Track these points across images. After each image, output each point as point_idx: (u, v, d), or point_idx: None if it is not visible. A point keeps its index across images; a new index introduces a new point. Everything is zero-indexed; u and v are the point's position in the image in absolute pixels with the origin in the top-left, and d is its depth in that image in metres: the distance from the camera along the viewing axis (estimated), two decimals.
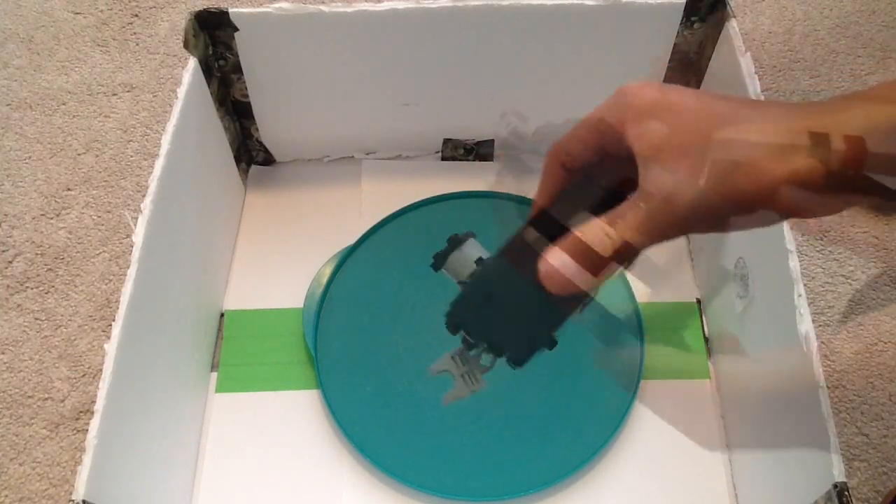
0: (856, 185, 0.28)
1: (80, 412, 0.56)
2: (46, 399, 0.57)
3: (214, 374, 0.57)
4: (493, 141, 0.67)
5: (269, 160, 0.68)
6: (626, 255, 0.31)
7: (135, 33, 0.78)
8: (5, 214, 0.66)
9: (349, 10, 0.55)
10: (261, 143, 0.66)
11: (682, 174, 0.29)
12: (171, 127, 0.50)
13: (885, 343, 0.58)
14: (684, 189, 0.29)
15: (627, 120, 0.31)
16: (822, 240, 0.63)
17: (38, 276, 0.63)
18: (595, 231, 0.31)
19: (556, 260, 0.32)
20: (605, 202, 0.32)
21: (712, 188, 0.29)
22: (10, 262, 0.63)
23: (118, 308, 0.43)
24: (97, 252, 0.64)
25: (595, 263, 0.31)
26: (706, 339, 0.58)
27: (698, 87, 0.61)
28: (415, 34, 0.57)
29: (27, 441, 0.55)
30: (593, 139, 0.33)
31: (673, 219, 0.30)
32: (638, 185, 0.31)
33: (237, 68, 0.59)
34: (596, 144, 0.33)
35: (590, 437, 0.53)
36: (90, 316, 0.61)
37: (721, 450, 0.53)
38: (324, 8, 0.55)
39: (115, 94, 0.73)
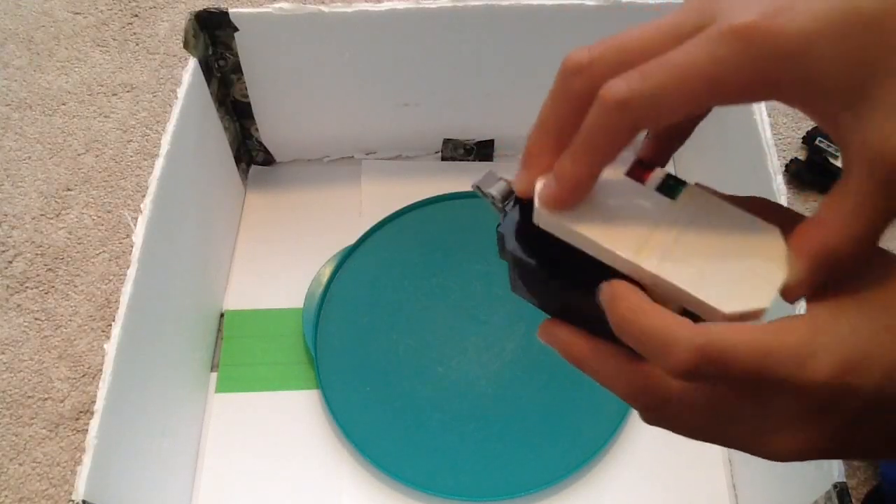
0: None
1: (80, 412, 0.56)
2: (46, 399, 0.57)
3: (214, 374, 0.57)
4: (493, 141, 0.67)
5: (269, 160, 0.68)
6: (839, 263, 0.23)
7: (135, 33, 0.78)
8: (5, 214, 0.66)
9: (349, 10, 0.55)
10: (261, 143, 0.66)
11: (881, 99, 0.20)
12: (171, 127, 0.50)
13: None
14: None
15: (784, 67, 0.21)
16: None
17: (38, 276, 0.63)
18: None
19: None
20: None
21: None
22: (10, 262, 0.63)
23: (118, 308, 0.43)
24: (97, 252, 0.64)
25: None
26: None
27: None
28: (415, 34, 0.57)
29: (27, 441, 0.55)
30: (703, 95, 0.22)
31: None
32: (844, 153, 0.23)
33: (237, 68, 0.59)
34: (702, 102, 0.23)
35: (590, 437, 0.53)
36: (90, 316, 0.61)
37: (721, 450, 0.53)
38: (324, 8, 0.55)
39: (115, 94, 0.73)
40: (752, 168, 0.51)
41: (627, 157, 0.26)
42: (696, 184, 0.27)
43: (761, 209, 0.26)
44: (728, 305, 0.23)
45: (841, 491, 0.39)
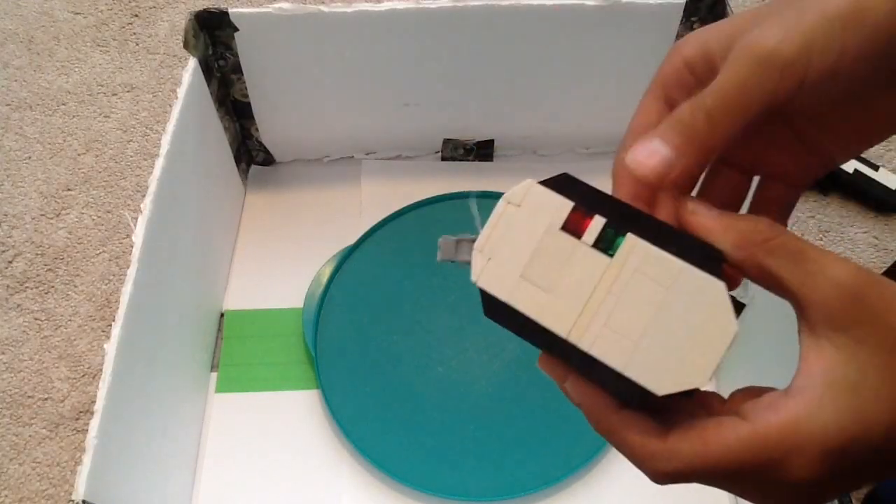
0: None
1: (80, 412, 0.56)
2: (46, 399, 0.57)
3: (214, 374, 0.57)
4: (493, 141, 0.67)
5: (269, 160, 0.68)
6: (720, 121, 0.24)
7: (135, 33, 0.78)
8: (5, 214, 0.66)
9: (349, 10, 0.55)
10: (261, 143, 0.66)
11: (768, 23, 0.24)
12: (171, 127, 0.50)
13: None
14: (770, 28, 0.24)
15: (698, 42, 0.26)
16: (822, 240, 0.63)
17: (38, 276, 0.63)
18: (682, 108, 0.25)
19: (645, 144, 0.25)
20: None
21: (798, 13, 0.24)
22: (10, 262, 0.63)
23: (118, 308, 0.43)
24: (97, 252, 0.64)
25: (689, 137, 0.24)
26: None
27: None
28: (415, 34, 0.57)
29: (27, 441, 0.55)
30: (664, 94, 0.27)
31: (761, 55, 0.24)
32: None
33: (237, 68, 0.59)
34: (669, 98, 0.27)
35: (590, 437, 0.53)
36: (90, 316, 0.61)
37: None
38: (324, 8, 0.55)
39: (115, 94, 0.73)
40: None
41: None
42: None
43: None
44: (662, 387, 0.23)
45: None
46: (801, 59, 0.23)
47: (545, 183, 0.25)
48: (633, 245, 0.24)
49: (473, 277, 0.25)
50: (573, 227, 0.24)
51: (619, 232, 0.24)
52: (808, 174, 0.29)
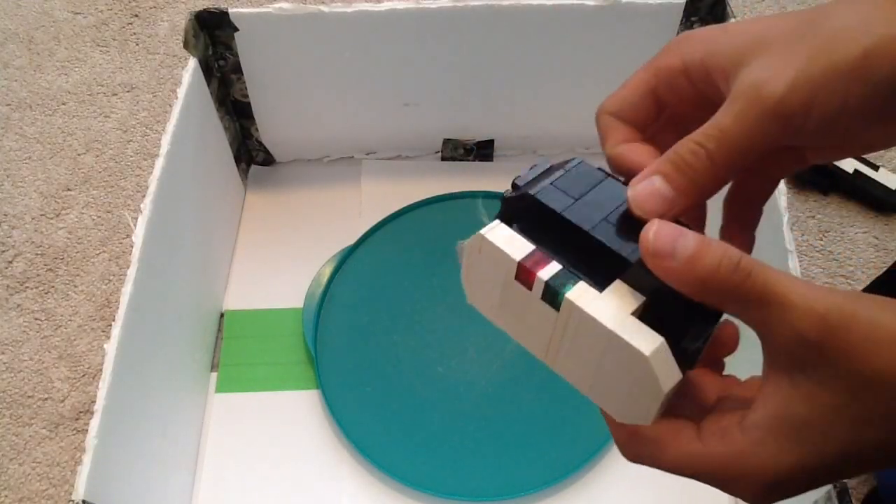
0: None
1: (80, 412, 0.56)
2: (46, 399, 0.57)
3: (214, 374, 0.57)
4: (493, 141, 0.67)
5: (269, 160, 0.68)
6: (722, 164, 0.25)
7: (135, 33, 0.78)
8: (5, 214, 0.66)
9: (349, 10, 0.55)
10: (261, 143, 0.66)
11: (776, 60, 0.25)
12: (171, 127, 0.50)
13: None
14: (779, 72, 0.24)
15: (701, 50, 0.27)
16: (822, 240, 0.63)
17: (38, 276, 0.63)
18: (684, 144, 0.25)
19: (647, 182, 0.26)
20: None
21: (808, 60, 0.24)
22: (10, 262, 0.63)
23: (118, 308, 0.43)
24: (97, 252, 0.64)
25: (690, 178, 0.25)
26: None
27: None
28: (415, 34, 0.57)
29: (27, 441, 0.55)
30: (655, 84, 0.28)
31: (767, 105, 0.24)
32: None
33: (237, 68, 0.59)
34: (657, 89, 0.28)
35: (590, 437, 0.53)
36: (90, 316, 0.61)
37: None
38: (324, 8, 0.55)
39: (115, 94, 0.73)
40: None
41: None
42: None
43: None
44: (619, 417, 0.25)
45: (841, 491, 0.39)
46: (804, 110, 0.24)
47: (508, 203, 0.27)
48: (571, 304, 0.24)
49: (468, 300, 0.28)
50: (523, 278, 0.26)
51: (566, 281, 0.25)
52: (788, 171, 0.30)
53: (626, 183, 0.27)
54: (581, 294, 0.24)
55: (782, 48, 0.25)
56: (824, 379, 0.22)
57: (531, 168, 0.27)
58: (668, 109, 0.29)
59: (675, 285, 0.23)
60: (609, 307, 0.24)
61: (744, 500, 0.24)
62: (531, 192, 0.26)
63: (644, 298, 0.25)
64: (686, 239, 0.23)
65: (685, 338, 0.25)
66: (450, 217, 0.63)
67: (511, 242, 0.26)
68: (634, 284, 0.25)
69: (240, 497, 0.53)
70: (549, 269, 0.25)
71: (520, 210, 0.27)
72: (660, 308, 0.24)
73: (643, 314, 0.25)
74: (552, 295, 0.25)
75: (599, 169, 0.28)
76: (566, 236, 0.26)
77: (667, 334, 0.24)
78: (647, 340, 0.23)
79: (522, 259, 0.25)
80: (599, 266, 0.25)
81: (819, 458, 0.23)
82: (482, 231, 0.26)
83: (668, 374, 0.24)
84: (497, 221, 0.27)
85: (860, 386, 0.21)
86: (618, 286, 0.25)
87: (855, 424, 0.22)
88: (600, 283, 0.25)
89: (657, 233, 0.23)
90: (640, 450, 0.26)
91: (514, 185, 0.27)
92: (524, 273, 0.25)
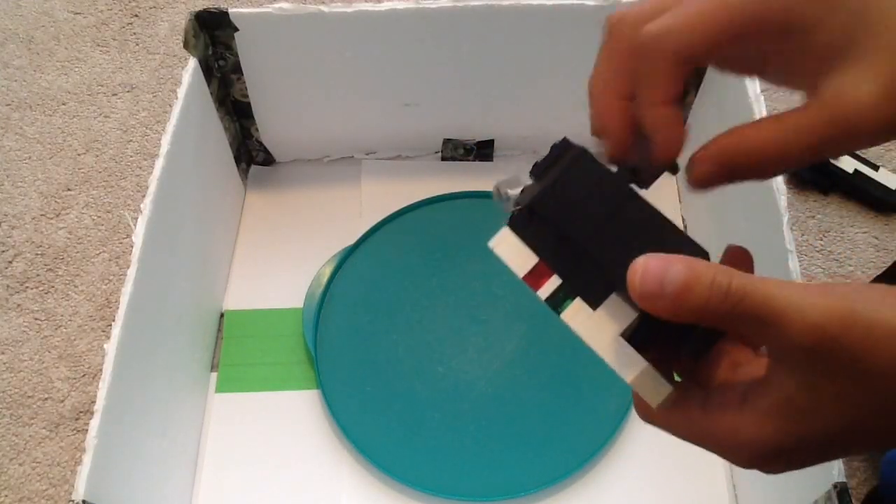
0: None
1: (80, 412, 0.56)
2: (46, 399, 0.57)
3: (214, 375, 0.57)
4: (493, 141, 0.67)
5: (269, 160, 0.68)
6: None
7: (135, 33, 0.78)
8: (5, 214, 0.66)
9: (349, 10, 0.55)
10: (261, 143, 0.66)
11: (866, 70, 0.24)
12: (171, 127, 0.50)
13: None
14: (863, 85, 0.24)
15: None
16: (822, 240, 0.63)
17: (38, 276, 0.63)
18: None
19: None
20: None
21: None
22: (10, 262, 0.63)
23: (118, 308, 0.43)
24: (97, 252, 0.64)
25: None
26: None
27: (697, 89, 0.61)
28: (415, 34, 0.57)
29: (27, 441, 0.55)
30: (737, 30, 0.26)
31: (847, 113, 0.24)
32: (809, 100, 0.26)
33: (237, 68, 0.59)
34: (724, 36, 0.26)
35: (590, 437, 0.53)
36: (90, 316, 0.61)
37: None
38: (324, 8, 0.55)
39: (115, 94, 0.73)
40: None
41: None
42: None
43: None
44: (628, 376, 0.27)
45: (841, 491, 0.38)
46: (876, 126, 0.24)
47: (513, 219, 0.29)
48: (569, 316, 0.27)
49: (490, 244, 0.29)
50: (533, 281, 0.28)
51: (564, 298, 0.27)
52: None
53: (628, 173, 0.28)
54: (574, 314, 0.27)
55: (861, 53, 0.24)
56: (824, 375, 0.23)
57: (532, 167, 0.29)
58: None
59: (670, 319, 0.23)
60: (600, 328, 0.26)
61: (740, 464, 0.25)
62: (533, 202, 0.28)
63: (637, 314, 0.26)
64: (674, 271, 0.23)
65: (685, 343, 0.26)
66: (450, 217, 0.63)
67: (517, 256, 0.28)
68: (628, 299, 0.25)
69: (240, 497, 0.53)
70: (549, 287, 0.28)
71: (524, 221, 0.29)
72: (655, 320, 0.24)
73: (637, 329, 0.26)
74: (559, 302, 0.27)
75: (593, 159, 0.28)
76: (566, 249, 0.27)
77: (663, 344, 0.25)
78: (630, 366, 0.25)
79: (525, 275, 0.28)
80: (598, 279, 0.27)
81: (814, 437, 0.24)
82: (491, 244, 0.29)
83: (655, 393, 0.25)
84: (506, 229, 0.29)
85: (858, 380, 0.22)
86: (612, 302, 0.26)
87: (848, 413, 0.23)
88: (596, 297, 0.27)
89: (643, 276, 0.23)
90: (650, 414, 0.27)
91: (531, 172, 0.28)
92: (534, 276, 0.28)
